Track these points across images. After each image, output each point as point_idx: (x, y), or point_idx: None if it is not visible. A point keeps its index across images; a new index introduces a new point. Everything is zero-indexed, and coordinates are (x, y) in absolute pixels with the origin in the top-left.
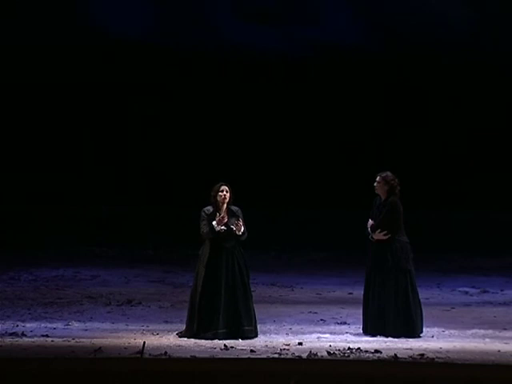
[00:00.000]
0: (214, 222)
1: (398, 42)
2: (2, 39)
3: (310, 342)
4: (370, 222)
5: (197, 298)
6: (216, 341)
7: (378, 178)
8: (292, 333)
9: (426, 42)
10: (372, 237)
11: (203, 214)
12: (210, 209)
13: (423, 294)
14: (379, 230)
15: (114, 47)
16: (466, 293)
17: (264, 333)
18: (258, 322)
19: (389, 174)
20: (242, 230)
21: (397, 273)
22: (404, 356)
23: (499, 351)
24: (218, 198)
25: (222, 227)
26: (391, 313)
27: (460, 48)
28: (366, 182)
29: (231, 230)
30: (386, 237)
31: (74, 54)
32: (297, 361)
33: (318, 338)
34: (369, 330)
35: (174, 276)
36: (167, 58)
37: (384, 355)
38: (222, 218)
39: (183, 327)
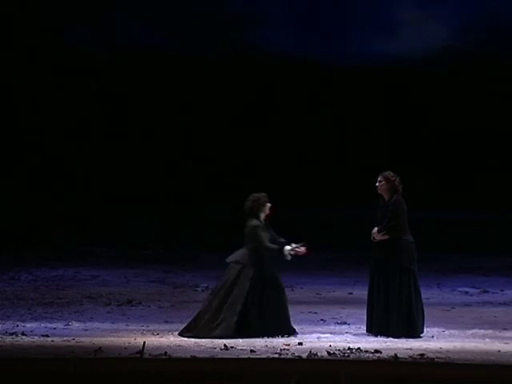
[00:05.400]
0: (289, 248)
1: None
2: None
3: (310, 342)
4: (375, 229)
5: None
6: (216, 341)
7: (379, 178)
8: None
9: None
10: (373, 238)
11: (259, 227)
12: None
13: (423, 294)
14: (383, 233)
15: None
16: (466, 293)
17: None
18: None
19: (389, 172)
20: None
21: (400, 273)
22: (404, 356)
23: (499, 351)
24: (266, 210)
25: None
26: (395, 313)
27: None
28: (366, 182)
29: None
30: (386, 237)
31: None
32: (297, 361)
33: (317, 338)
34: (373, 330)
35: (173, 276)
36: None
37: (384, 355)
38: (299, 251)
39: (183, 327)
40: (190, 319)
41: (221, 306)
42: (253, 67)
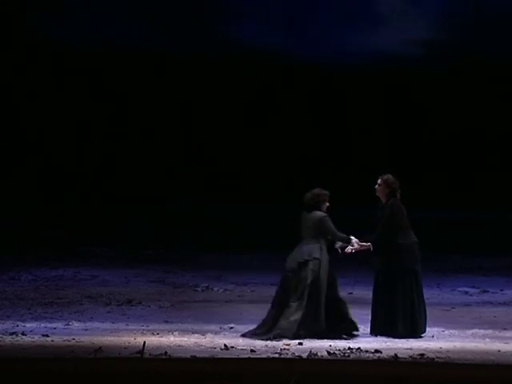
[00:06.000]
0: (355, 240)
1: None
2: None
3: (310, 342)
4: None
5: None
6: (216, 341)
7: (379, 181)
8: None
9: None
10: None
11: (327, 216)
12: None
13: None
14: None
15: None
16: (466, 293)
17: None
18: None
19: (390, 176)
20: None
21: (403, 273)
22: (404, 356)
23: (499, 351)
24: (323, 208)
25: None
26: (399, 314)
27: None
28: (366, 182)
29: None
30: (365, 247)
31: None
32: (297, 361)
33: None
34: (377, 331)
35: (173, 276)
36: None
37: (384, 355)
38: (363, 248)
39: (183, 327)
40: (259, 323)
41: (303, 301)
42: (252, 67)
